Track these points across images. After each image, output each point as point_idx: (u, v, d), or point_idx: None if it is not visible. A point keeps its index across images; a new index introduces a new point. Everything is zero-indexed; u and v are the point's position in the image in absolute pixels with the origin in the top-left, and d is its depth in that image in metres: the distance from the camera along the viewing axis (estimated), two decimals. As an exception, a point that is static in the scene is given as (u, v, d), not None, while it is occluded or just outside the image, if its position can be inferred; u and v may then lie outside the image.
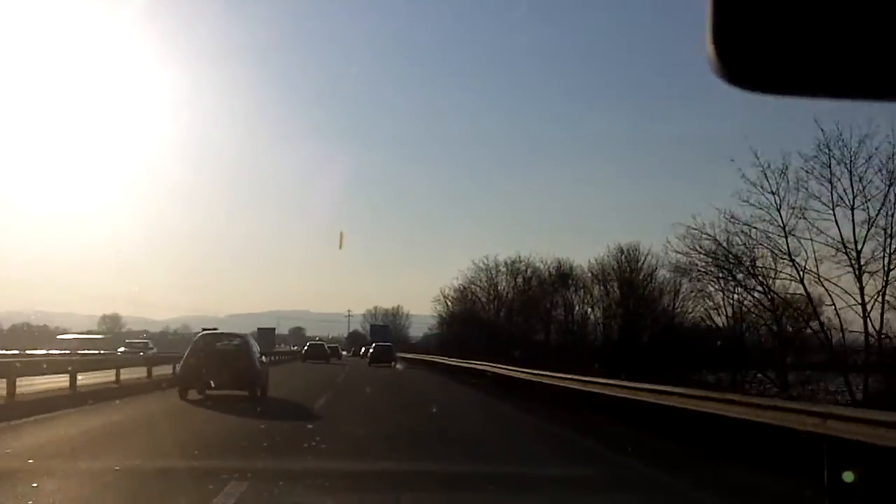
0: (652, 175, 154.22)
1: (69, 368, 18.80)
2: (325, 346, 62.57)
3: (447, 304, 69.45)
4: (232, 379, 17.94)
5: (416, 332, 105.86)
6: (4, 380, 15.45)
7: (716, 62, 1.26)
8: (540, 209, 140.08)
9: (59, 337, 75.83)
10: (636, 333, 43.14)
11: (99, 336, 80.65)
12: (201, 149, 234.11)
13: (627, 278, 46.54)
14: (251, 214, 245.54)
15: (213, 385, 17.81)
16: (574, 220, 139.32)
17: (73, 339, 72.60)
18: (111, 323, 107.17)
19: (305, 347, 61.44)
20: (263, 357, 21.70)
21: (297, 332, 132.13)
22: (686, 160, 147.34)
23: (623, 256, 47.05)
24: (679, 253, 32.71)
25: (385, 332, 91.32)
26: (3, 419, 12.57)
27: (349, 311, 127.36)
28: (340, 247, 77.10)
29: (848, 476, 7.99)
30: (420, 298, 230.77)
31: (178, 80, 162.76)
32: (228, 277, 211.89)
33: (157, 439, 11.26)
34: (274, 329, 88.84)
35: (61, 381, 18.40)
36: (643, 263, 46.21)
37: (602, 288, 48.77)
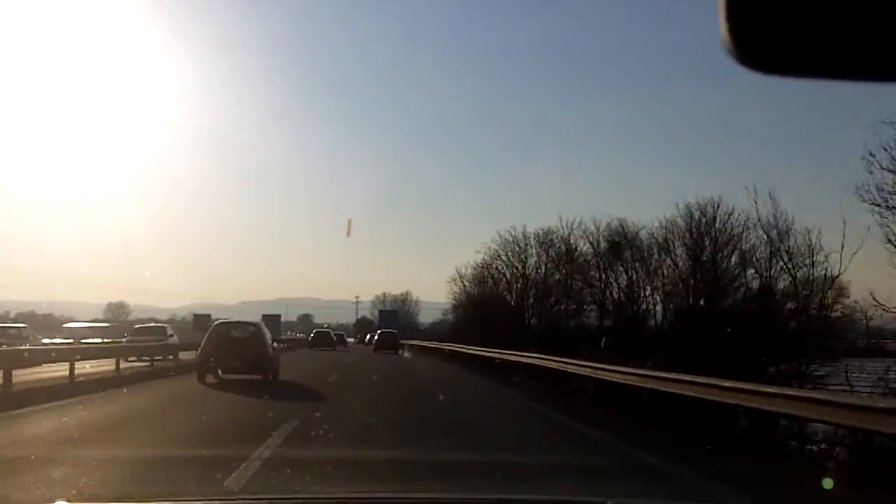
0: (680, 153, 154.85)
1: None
2: (332, 333, 63.90)
3: (463, 285, 62.02)
4: (246, 364, 19.53)
5: (426, 318, 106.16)
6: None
7: (730, 44, 1.28)
8: (554, 196, 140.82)
9: (64, 326, 77.02)
10: (715, 316, 33.04)
11: (105, 324, 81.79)
12: (210, 138, 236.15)
13: (704, 243, 36.28)
14: (260, 202, 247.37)
15: (226, 370, 19.55)
16: (592, 205, 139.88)
17: (79, 327, 73.52)
18: (117, 311, 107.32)
19: (312, 335, 62.86)
20: (275, 343, 23.20)
21: (306, 319, 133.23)
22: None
23: (699, 217, 36.56)
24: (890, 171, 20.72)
25: (394, 317, 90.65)
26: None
27: (357, 297, 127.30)
28: (348, 234, 77.81)
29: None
30: (430, 285, 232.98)
31: (187, 70, 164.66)
32: (238, 265, 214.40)
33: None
34: (279, 316, 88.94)
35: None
36: (726, 224, 35.87)
37: (668, 257, 38.69)
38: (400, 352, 52.28)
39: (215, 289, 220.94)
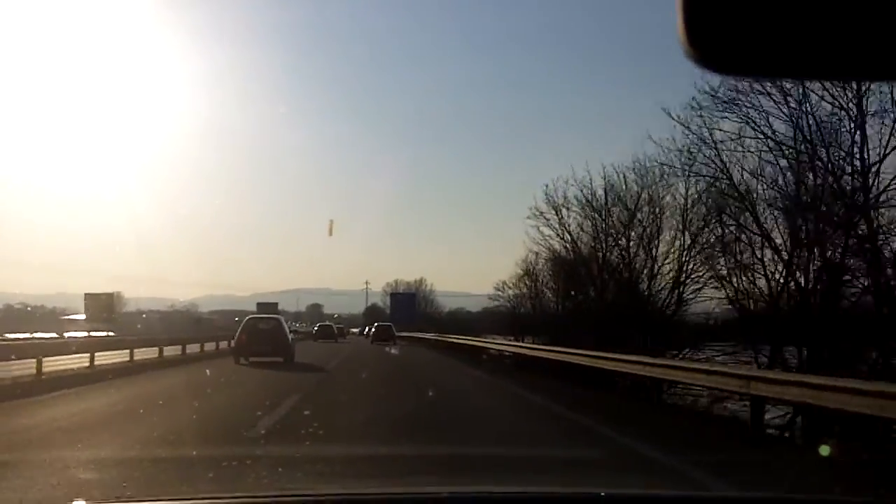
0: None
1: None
2: (333, 326, 69.98)
3: (561, 223, 33.40)
4: (270, 349, 25.76)
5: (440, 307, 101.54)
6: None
7: (687, 46, 1.36)
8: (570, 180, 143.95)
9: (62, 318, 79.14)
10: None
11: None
12: (221, 130, 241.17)
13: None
14: (272, 194, 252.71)
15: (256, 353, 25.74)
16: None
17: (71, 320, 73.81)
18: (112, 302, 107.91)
19: (315, 328, 68.66)
20: (292, 332, 30.07)
21: (315, 309, 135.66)
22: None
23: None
24: None
25: (409, 302, 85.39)
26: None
27: (367, 282, 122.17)
28: (330, 234, 79.39)
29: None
30: (445, 276, 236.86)
31: (197, 64, 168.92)
32: (251, 257, 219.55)
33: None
34: (276, 304, 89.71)
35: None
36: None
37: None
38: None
39: (229, 280, 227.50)
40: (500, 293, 48.70)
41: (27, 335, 32.94)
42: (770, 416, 13.65)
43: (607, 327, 27.91)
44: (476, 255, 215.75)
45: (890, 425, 10.69)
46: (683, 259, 28.97)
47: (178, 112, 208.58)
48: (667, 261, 29.88)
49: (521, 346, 30.91)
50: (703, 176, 26.09)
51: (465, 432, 11.18)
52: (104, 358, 22.89)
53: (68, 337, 31.57)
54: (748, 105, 23.09)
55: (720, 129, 24.38)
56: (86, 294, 60.23)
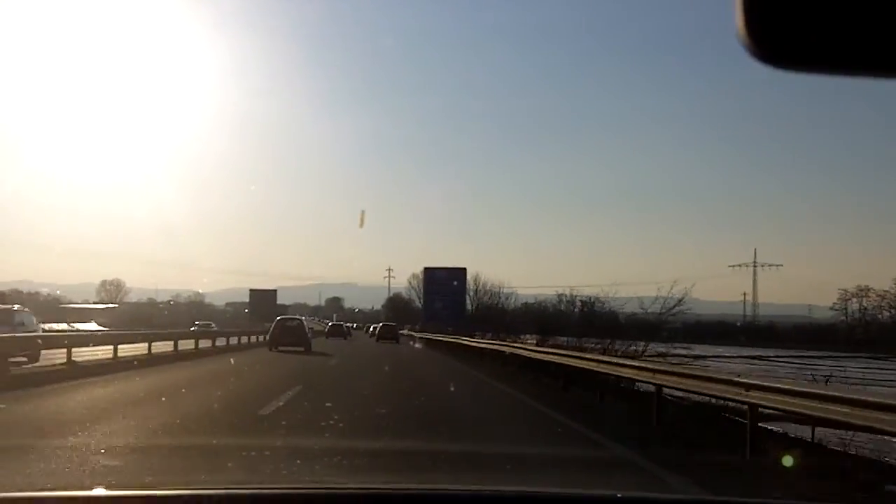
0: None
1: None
2: (343, 325, 78.55)
3: None
4: (294, 341, 38.07)
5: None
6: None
7: (747, 39, 1.41)
8: (595, 188, 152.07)
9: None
10: None
11: (108, 306, 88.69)
12: (248, 123, 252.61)
13: None
14: (299, 189, 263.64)
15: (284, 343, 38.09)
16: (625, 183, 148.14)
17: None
18: (112, 291, 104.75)
19: (328, 327, 78.46)
20: (309, 329, 42.44)
21: (335, 303, 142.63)
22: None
23: None
24: None
25: (456, 283, 75.17)
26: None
27: (389, 269, 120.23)
28: (361, 225, 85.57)
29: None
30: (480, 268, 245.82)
31: (225, 56, 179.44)
32: (277, 251, 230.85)
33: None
34: (275, 291, 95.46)
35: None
36: None
37: None
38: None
39: (254, 271, 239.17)
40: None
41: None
42: None
43: None
44: (508, 250, 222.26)
45: None
46: None
47: (204, 104, 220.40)
48: None
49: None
50: None
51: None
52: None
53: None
54: None
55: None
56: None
